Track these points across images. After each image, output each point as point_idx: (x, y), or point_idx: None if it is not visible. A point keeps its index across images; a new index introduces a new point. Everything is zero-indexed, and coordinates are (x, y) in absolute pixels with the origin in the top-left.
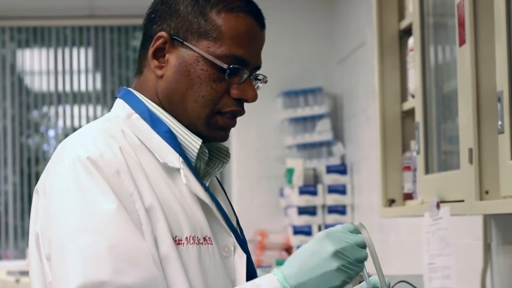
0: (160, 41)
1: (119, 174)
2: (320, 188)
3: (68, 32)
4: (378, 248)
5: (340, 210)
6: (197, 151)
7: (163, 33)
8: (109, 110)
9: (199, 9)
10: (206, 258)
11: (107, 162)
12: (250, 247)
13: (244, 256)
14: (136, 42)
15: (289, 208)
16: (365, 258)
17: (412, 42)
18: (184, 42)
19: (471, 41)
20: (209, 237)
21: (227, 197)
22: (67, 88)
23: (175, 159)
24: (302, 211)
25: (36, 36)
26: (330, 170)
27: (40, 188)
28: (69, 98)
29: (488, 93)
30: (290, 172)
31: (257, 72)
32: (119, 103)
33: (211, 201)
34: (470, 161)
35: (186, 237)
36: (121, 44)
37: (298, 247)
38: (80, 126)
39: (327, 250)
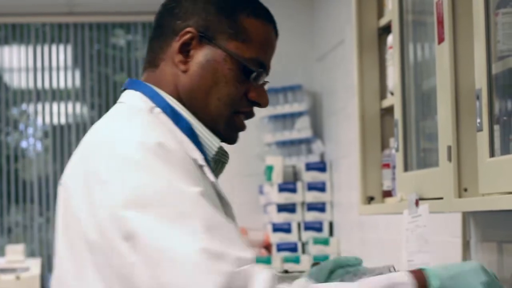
0: (188, 36)
1: (184, 160)
2: (299, 185)
3: (47, 29)
4: (357, 245)
5: (319, 207)
6: (215, 150)
7: (191, 29)
8: (88, 107)
9: (228, 10)
10: None
11: (173, 148)
12: None
13: None
14: (115, 40)
15: (268, 205)
16: None
17: (391, 39)
18: (213, 41)
19: (450, 39)
20: None
21: None
22: (46, 85)
23: (198, 156)
24: (282, 208)
25: (15, 33)
26: (309, 167)
27: (85, 178)
28: (48, 95)
29: (466, 91)
30: (269, 169)
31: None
32: (137, 96)
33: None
34: (449, 159)
35: None
36: (100, 41)
37: (277, 244)
38: (59, 124)
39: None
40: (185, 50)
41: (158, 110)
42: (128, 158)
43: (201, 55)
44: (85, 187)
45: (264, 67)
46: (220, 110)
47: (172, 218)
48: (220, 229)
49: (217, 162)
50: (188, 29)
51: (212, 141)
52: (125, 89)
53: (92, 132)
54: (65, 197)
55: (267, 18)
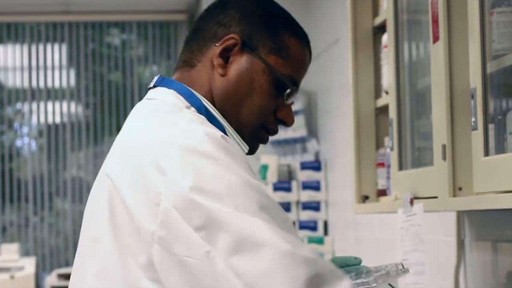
0: (231, 42)
1: (244, 155)
2: (294, 184)
3: (42, 28)
4: (352, 244)
5: (314, 206)
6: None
7: (235, 36)
8: (83, 106)
9: (273, 25)
10: None
11: (233, 142)
12: None
13: None
14: (110, 39)
15: None
16: None
17: (386, 38)
18: (255, 51)
19: (444, 38)
20: None
21: None
22: (41, 84)
23: None
24: None
25: (10, 32)
26: (304, 166)
27: (139, 172)
28: (43, 95)
29: (461, 90)
30: (264, 168)
31: None
32: (171, 93)
33: None
34: (444, 158)
35: None
36: (95, 40)
37: None
38: (54, 123)
39: None
40: (225, 56)
41: (193, 109)
42: (196, 149)
43: (240, 63)
44: (141, 179)
45: (297, 86)
46: (250, 120)
47: (247, 209)
48: (288, 221)
49: None
50: (232, 35)
51: (242, 147)
52: (154, 87)
53: (133, 131)
54: (111, 189)
55: (306, 41)
